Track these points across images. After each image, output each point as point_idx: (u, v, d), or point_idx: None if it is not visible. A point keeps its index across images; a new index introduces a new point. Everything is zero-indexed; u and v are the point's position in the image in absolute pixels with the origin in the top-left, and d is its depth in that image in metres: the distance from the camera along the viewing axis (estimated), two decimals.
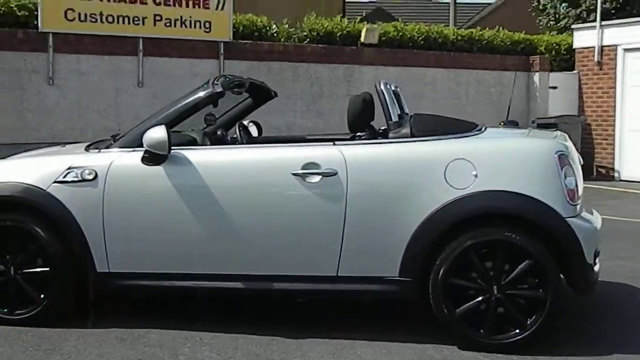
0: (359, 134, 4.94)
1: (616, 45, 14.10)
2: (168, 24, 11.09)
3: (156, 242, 4.74)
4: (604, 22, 14.34)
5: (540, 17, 20.46)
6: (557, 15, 19.67)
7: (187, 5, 11.21)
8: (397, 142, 4.66)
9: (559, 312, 4.49)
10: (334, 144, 4.66)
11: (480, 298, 4.44)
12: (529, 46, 14.85)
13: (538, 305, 4.40)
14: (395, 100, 4.99)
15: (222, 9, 11.48)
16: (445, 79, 13.73)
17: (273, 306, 5.24)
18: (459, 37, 14.03)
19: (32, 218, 4.77)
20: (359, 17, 14.05)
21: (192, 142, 5.36)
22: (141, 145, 4.70)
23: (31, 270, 4.81)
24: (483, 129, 4.94)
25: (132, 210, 4.74)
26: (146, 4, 10.89)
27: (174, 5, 11.10)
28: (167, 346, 4.52)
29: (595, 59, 14.37)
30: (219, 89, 4.89)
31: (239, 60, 11.81)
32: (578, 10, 18.61)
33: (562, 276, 4.53)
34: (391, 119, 4.79)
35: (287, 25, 12.71)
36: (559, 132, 5.16)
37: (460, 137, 4.66)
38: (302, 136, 6.31)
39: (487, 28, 14.78)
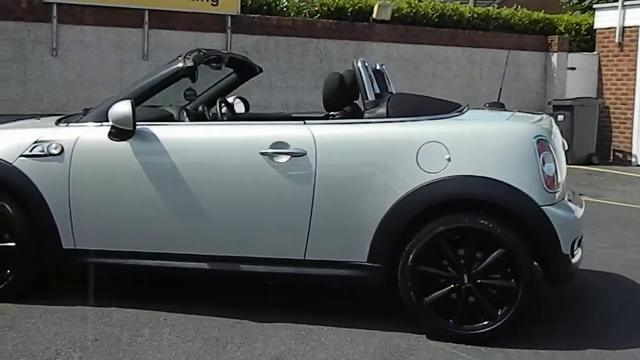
0: (332, 113, 4.77)
1: (638, 27, 13.70)
2: None
3: (121, 220, 4.63)
4: (626, 2, 13.92)
5: None
6: None
7: None
8: (369, 122, 4.49)
9: (531, 304, 4.31)
10: (305, 123, 4.49)
11: (450, 287, 4.28)
12: (548, 26, 14.49)
13: (510, 295, 4.22)
14: (373, 79, 4.80)
15: None
16: (459, 58, 13.45)
17: (245, 288, 5.11)
18: (475, 15, 13.73)
19: None
20: None
21: (168, 118, 5.24)
22: (108, 120, 4.57)
23: None
24: (464, 110, 4.75)
25: (98, 187, 4.63)
26: None
27: None
28: (128, 326, 4.42)
29: (616, 40, 13.99)
30: (190, 64, 4.73)
31: (246, 34, 11.63)
32: None
33: (537, 266, 4.35)
34: (367, 99, 4.61)
35: (297, 0, 12.50)
36: (545, 116, 4.95)
37: (436, 119, 4.47)
38: (288, 114, 6.14)
39: (505, 8, 14.46)
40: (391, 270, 4.36)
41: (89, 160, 4.63)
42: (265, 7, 11.99)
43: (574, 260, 4.36)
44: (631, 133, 13.87)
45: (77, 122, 4.81)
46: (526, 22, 14.22)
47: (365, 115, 4.58)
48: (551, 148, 4.32)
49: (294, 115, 5.82)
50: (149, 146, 4.56)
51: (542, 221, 4.18)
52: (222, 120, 5.38)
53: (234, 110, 5.86)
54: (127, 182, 4.58)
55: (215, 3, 11.30)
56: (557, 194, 4.31)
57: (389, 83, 5.58)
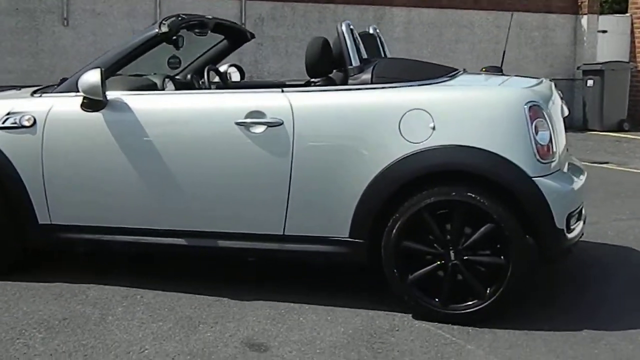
0: (313, 80, 4.51)
1: None
2: None
3: (95, 194, 4.45)
4: None
5: None
6: None
7: None
8: (350, 89, 4.22)
9: (524, 281, 4.03)
10: (283, 92, 4.24)
11: (435, 264, 4.02)
12: None
13: (499, 273, 3.96)
14: (359, 44, 4.51)
15: None
16: (484, 22, 13.03)
17: (228, 265, 4.90)
18: None
19: None
20: None
21: (151, 87, 5.02)
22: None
23: None
24: (456, 75, 4.46)
25: (71, 159, 4.45)
26: None
27: None
28: (102, 304, 4.25)
29: None
30: (165, 30, 4.49)
31: (261, 0, 11.36)
32: None
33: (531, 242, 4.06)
34: (351, 64, 4.33)
35: None
36: (544, 81, 4.62)
37: (422, 85, 4.18)
38: (282, 82, 5.89)
39: None
40: (374, 246, 4.11)
41: (61, 132, 4.45)
42: None
43: (570, 235, 4.05)
44: None
45: (51, 92, 4.61)
46: None
47: (349, 81, 4.32)
48: (545, 115, 4.01)
49: (288, 82, 5.57)
50: (122, 117, 4.36)
51: (533, 193, 3.88)
52: (210, 88, 5.15)
53: (226, 79, 5.62)
54: (100, 154, 4.39)
55: None
56: (551, 164, 4.01)
57: (384, 48, 5.30)
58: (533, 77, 4.72)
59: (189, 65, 5.79)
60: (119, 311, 4.17)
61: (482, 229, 3.93)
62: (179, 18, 4.69)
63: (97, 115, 4.37)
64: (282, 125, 4.13)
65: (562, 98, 4.69)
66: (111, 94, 4.40)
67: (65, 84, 4.56)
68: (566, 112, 4.58)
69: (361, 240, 4.11)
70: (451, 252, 3.98)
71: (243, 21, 11.31)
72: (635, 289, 4.69)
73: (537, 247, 4.01)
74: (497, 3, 12.98)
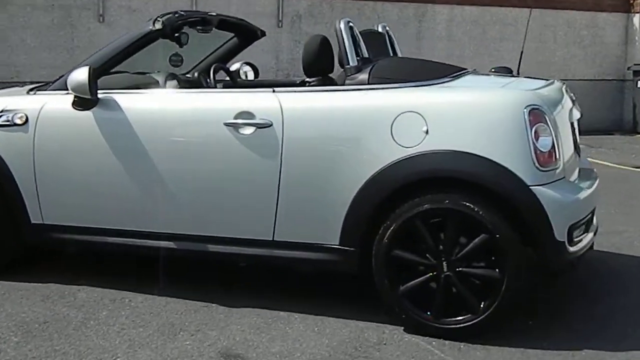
0: (307, 80, 4.33)
1: None
2: None
3: (87, 195, 4.36)
4: None
5: None
6: None
7: None
8: (344, 90, 4.03)
9: (519, 296, 3.79)
10: (274, 92, 4.07)
11: (428, 275, 3.81)
12: None
13: (493, 286, 3.73)
14: (359, 42, 4.30)
15: None
16: (530, 20, 12.59)
17: (224, 270, 4.74)
18: None
19: None
20: None
21: (152, 85, 4.92)
22: None
23: None
24: (460, 76, 4.24)
25: (63, 158, 4.37)
26: None
27: None
28: (87, 308, 4.16)
29: None
30: (159, 27, 4.37)
31: None
32: None
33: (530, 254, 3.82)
34: (348, 63, 4.14)
35: None
36: (555, 82, 4.37)
37: (418, 86, 3.96)
38: (278, 81, 5.71)
39: None
40: (365, 255, 3.92)
41: (53, 131, 4.37)
42: None
43: (573, 248, 3.79)
44: None
45: (45, 90, 4.54)
46: None
47: (347, 82, 4.13)
48: (548, 120, 3.76)
49: (283, 82, 5.39)
50: (111, 116, 4.26)
51: (531, 203, 3.64)
52: (213, 87, 5.02)
53: (235, 77, 5.48)
54: (89, 154, 4.29)
55: None
56: (553, 172, 3.76)
57: (393, 47, 5.09)
58: (544, 79, 4.45)
59: (199, 62, 5.68)
60: (102, 315, 4.07)
61: (477, 239, 3.71)
62: (176, 15, 4.57)
63: (88, 114, 4.28)
64: (272, 127, 3.97)
65: (574, 100, 4.42)
66: (102, 93, 4.30)
67: (58, 82, 4.49)
68: (578, 115, 4.32)
69: (352, 248, 3.93)
70: (444, 263, 3.77)
71: (280, 18, 11.19)
72: None
73: (535, 260, 3.77)
74: (545, 1, 12.57)
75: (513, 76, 4.73)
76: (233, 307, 4.18)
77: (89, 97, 4.20)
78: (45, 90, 4.55)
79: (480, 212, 3.67)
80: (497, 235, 3.66)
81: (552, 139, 3.76)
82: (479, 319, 3.75)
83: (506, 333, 3.84)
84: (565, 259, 3.80)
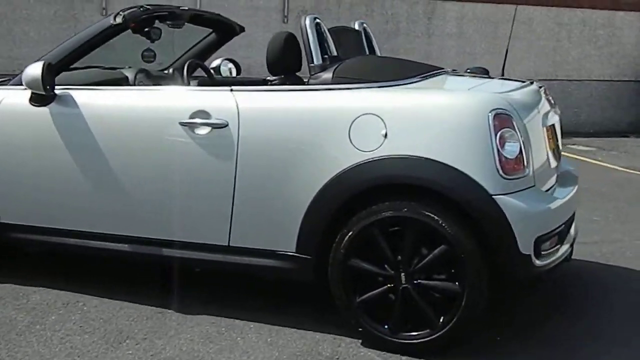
0: (269, 78, 4.15)
1: None
2: None
3: (44, 194, 4.22)
4: None
5: None
6: None
7: None
8: (303, 90, 3.85)
9: (479, 312, 3.57)
10: (232, 90, 3.89)
11: (385, 286, 3.62)
12: None
13: (453, 300, 3.52)
14: (327, 40, 4.11)
15: None
16: (544, 18, 12.31)
17: (182, 274, 4.53)
18: None
19: None
20: None
21: (120, 81, 4.78)
22: None
23: None
24: (431, 76, 4.03)
25: (19, 156, 4.23)
26: None
27: None
28: (37, 311, 4.01)
29: None
30: (120, 21, 4.21)
31: None
32: None
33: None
34: (312, 62, 3.95)
35: None
36: (533, 84, 4.14)
37: (382, 87, 3.76)
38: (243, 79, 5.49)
39: None
40: (323, 263, 3.73)
41: (10, 127, 4.23)
42: None
43: (540, 262, 3.56)
44: None
45: (4, 85, 4.40)
46: None
47: (310, 81, 3.94)
48: (515, 125, 3.54)
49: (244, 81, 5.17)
50: (66, 113, 4.10)
51: (492, 213, 3.42)
52: (188, 84, 4.85)
53: (211, 74, 5.31)
54: (46, 152, 4.15)
55: None
56: (521, 180, 3.54)
57: (369, 45, 4.88)
58: (520, 81, 4.22)
59: (178, 59, 5.52)
60: (50, 320, 3.92)
61: (436, 250, 3.51)
62: (141, 9, 4.40)
63: (44, 110, 4.14)
64: (227, 127, 3.80)
65: (552, 104, 4.19)
66: (60, 89, 4.15)
67: (18, 77, 4.33)
68: (557, 118, 4.09)
69: (308, 257, 3.74)
70: (402, 275, 3.57)
71: (286, 14, 11.00)
72: (632, 321, 4.14)
73: (498, 274, 3.55)
74: None
75: (489, 77, 4.50)
76: (189, 315, 4.01)
77: (43, 92, 4.05)
78: (5, 85, 4.39)
79: (440, 222, 3.47)
80: (457, 247, 3.45)
81: (520, 145, 3.54)
82: (437, 334, 3.55)
83: (471, 350, 3.63)
84: (532, 273, 3.57)
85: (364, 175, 3.56)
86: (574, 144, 11.04)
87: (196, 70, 5.20)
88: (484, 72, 4.68)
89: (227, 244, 3.89)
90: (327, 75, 3.87)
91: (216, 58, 5.73)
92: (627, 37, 12.76)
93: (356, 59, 4.21)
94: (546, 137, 3.91)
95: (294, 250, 3.76)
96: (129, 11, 4.28)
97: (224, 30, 5.41)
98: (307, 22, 4.00)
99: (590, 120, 12.57)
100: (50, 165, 4.14)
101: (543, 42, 12.32)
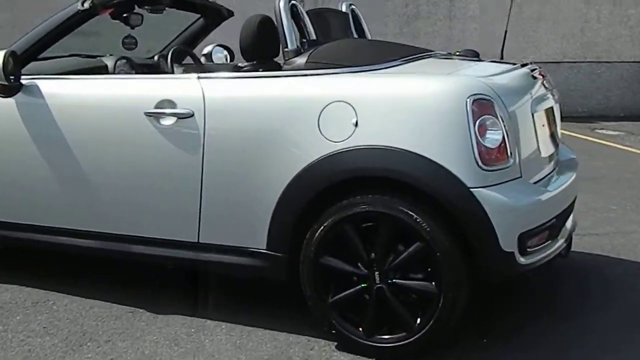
0: (240, 64, 3.92)
1: None
2: None
3: (9, 188, 4.05)
4: None
5: None
6: None
7: None
8: (273, 77, 3.61)
9: (457, 313, 3.30)
10: (199, 78, 3.67)
11: (359, 286, 3.38)
12: None
13: (429, 301, 3.27)
14: (305, 23, 3.88)
15: None
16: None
17: (157, 272, 4.34)
18: None
19: None
20: None
21: (99, 70, 4.59)
22: None
23: None
24: (413, 60, 3.77)
25: None
26: None
27: None
28: (3, 311, 3.85)
29: None
30: (87, 6, 4.01)
31: None
32: None
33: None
34: (286, 47, 3.71)
35: None
36: (520, 66, 3.85)
37: (355, 72, 3.50)
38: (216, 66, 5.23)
39: None
40: (295, 261, 3.50)
41: None
42: None
43: (525, 260, 3.28)
44: None
45: None
46: None
47: (284, 67, 3.71)
48: (497, 112, 3.26)
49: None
50: (31, 103, 3.92)
51: (470, 208, 3.16)
52: (172, 72, 4.64)
53: (198, 60, 5.09)
54: (9, 144, 3.98)
55: None
56: (504, 172, 3.26)
57: (358, 28, 4.61)
58: (510, 63, 3.92)
59: (166, 46, 5.32)
60: (15, 320, 3.75)
61: (411, 248, 3.26)
62: None
63: (10, 101, 3.96)
64: (193, 117, 3.58)
65: (548, 88, 3.90)
66: (27, 79, 3.97)
67: None
68: (552, 102, 3.80)
69: (279, 254, 3.51)
70: (376, 274, 3.33)
71: None
72: (627, 325, 3.82)
73: (479, 273, 3.28)
74: None
75: (478, 60, 4.21)
76: (159, 314, 3.82)
77: (5, 83, 3.87)
78: None
79: (415, 217, 3.21)
80: (434, 244, 3.20)
81: (503, 134, 3.26)
82: (414, 337, 3.30)
83: (451, 353, 3.38)
84: (515, 272, 3.31)
85: (332, 167, 3.32)
86: (602, 129, 10.64)
87: (185, 57, 4.99)
88: (474, 55, 4.39)
89: (196, 241, 3.68)
90: (301, 60, 3.63)
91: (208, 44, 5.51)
92: None
93: (334, 42, 3.95)
94: (538, 123, 3.62)
95: (264, 248, 3.54)
96: None
97: (212, 15, 5.19)
98: (281, 4, 3.76)
99: (621, 103, 12.10)
100: (16, 158, 3.98)
101: (570, 22, 11.88)
